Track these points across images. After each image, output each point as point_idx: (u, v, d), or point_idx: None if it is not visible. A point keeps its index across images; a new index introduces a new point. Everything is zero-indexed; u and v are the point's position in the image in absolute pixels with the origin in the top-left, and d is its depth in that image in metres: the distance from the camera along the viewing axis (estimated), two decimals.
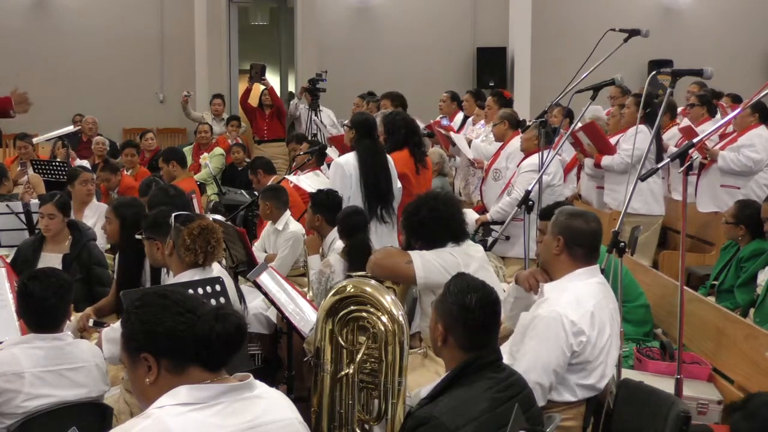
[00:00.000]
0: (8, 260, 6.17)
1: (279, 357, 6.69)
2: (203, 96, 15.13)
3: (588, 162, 9.06)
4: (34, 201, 7.57)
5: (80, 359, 4.04)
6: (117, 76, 15.59)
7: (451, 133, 9.68)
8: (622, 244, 4.31)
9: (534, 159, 7.37)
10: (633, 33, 6.12)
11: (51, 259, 6.24)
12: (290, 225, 7.33)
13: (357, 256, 5.43)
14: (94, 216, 7.72)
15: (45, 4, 15.58)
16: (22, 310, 4.05)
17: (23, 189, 9.09)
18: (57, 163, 10.62)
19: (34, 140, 11.53)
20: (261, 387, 2.61)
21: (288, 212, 7.42)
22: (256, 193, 8.88)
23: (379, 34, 16.22)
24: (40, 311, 3.98)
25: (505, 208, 7.81)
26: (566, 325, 3.87)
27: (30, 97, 9.73)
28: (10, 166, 10.49)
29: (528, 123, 8.48)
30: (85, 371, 4.05)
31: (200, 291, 4.24)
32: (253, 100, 13.58)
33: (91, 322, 5.20)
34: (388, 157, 6.99)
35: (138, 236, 5.07)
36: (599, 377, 3.97)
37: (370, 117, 7.39)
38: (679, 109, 10.50)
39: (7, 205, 7.14)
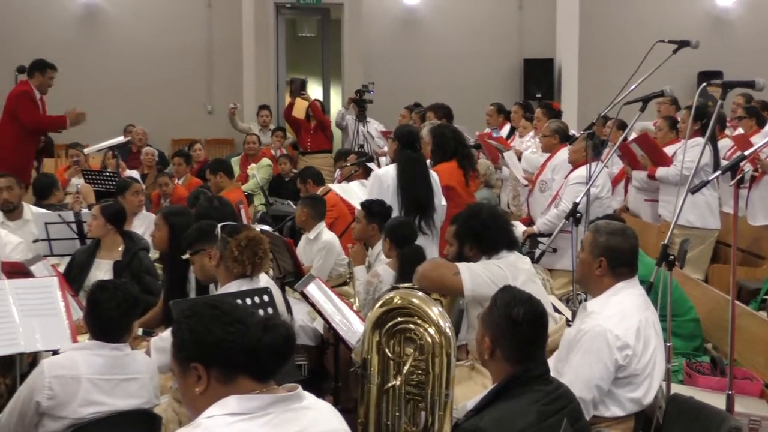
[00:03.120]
0: (61, 269, 6.27)
1: (325, 368, 6.69)
2: (250, 107, 15.24)
3: (637, 174, 8.99)
4: (85, 210, 7.67)
5: (136, 371, 4.08)
6: (166, 87, 15.74)
7: (504, 153, 9.62)
8: (672, 257, 4.27)
9: (582, 171, 7.32)
10: (682, 44, 6.05)
11: (103, 266, 6.32)
12: (323, 234, 7.35)
13: (406, 265, 5.41)
14: (143, 225, 7.79)
15: (96, 17, 15.79)
16: (87, 316, 4.11)
17: (72, 197, 9.19)
18: (107, 174, 10.75)
19: (86, 150, 11.69)
20: (309, 398, 2.62)
21: (322, 223, 7.43)
22: None
23: (425, 45, 16.23)
24: (102, 320, 4.02)
25: (553, 220, 7.77)
26: (610, 340, 3.85)
27: (80, 109, 9.91)
28: (62, 175, 10.62)
29: (575, 135, 8.44)
30: (140, 383, 4.08)
31: (248, 301, 4.26)
32: (300, 113, 13.64)
33: (139, 331, 5.24)
34: (432, 171, 6.97)
35: (185, 256, 5.10)
36: (646, 390, 3.94)
37: (413, 128, 7.39)
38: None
39: (59, 215, 7.22)
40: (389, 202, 6.66)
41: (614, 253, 4.08)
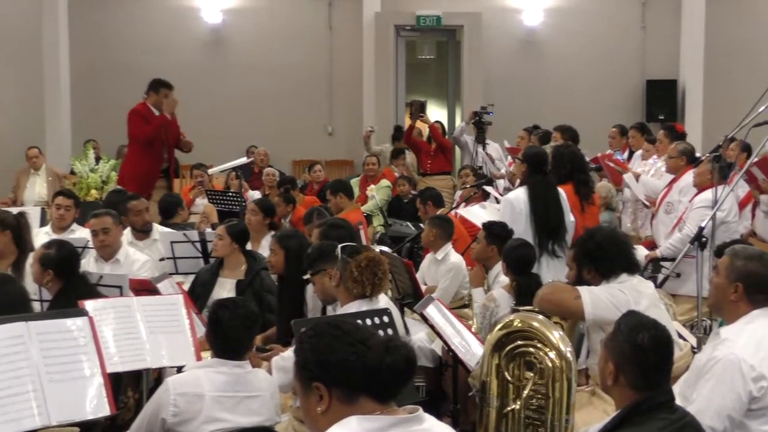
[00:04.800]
0: (185, 287, 6.43)
1: (443, 390, 6.68)
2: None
3: (764, 198, 8.73)
4: (209, 230, 7.84)
5: (258, 388, 4.14)
6: (287, 109, 15.99)
7: (624, 175, 9.47)
8: None
9: (707, 194, 7.14)
10: None
11: (226, 284, 6.46)
12: (451, 256, 7.34)
13: (526, 290, 5.37)
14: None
15: (221, 41, 16.17)
16: (209, 334, 4.21)
17: (199, 218, 9.42)
18: (231, 194, 10.98)
19: (209, 171, 11.98)
20: (430, 420, 2.62)
21: (449, 244, 7.43)
22: (422, 225, 8.94)
23: (545, 66, 16.12)
24: (223, 337, 4.11)
25: (677, 245, 7.59)
26: (744, 370, 3.72)
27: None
28: (186, 195, 10.90)
29: (700, 158, 8.25)
30: (261, 401, 4.14)
31: (368, 322, 4.29)
32: (422, 135, 13.74)
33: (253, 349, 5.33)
34: (560, 189, 6.91)
35: (306, 276, 5.17)
36: None
37: (542, 150, 7.33)
38: None
39: (185, 234, 7.40)
40: (522, 226, 6.63)
41: (751, 278, 3.96)
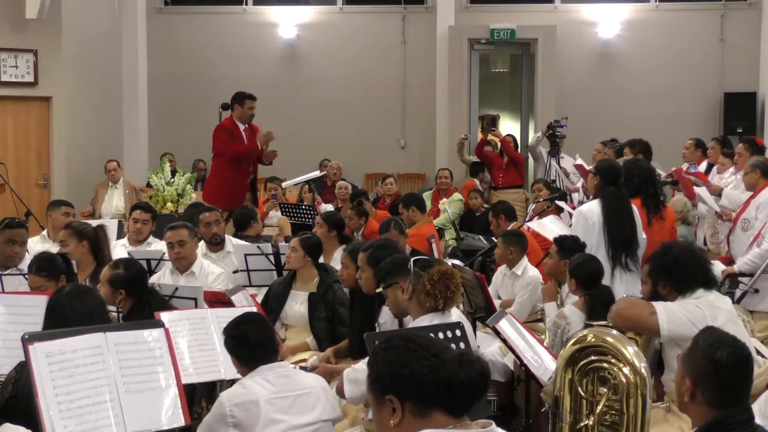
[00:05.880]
0: (258, 299, 6.49)
1: (515, 404, 6.64)
2: (443, 143, 15.45)
3: None
4: (282, 243, 7.90)
5: (306, 385, 4.27)
6: (361, 122, 16.09)
7: (695, 187, 9.33)
8: None
9: None
10: None
11: (299, 297, 6.50)
12: (529, 270, 7.30)
13: (598, 305, 5.32)
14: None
15: (296, 56, 16.32)
16: (240, 354, 4.33)
17: (276, 231, 9.48)
18: (304, 207, 11.06)
19: (283, 184, 12.09)
20: None
21: (525, 258, 7.39)
22: (494, 238, 8.90)
23: (620, 79, 15.96)
24: (256, 348, 4.24)
25: (755, 260, 7.46)
26: None
27: (279, 143, 10.26)
28: (260, 208, 11.01)
29: None
30: (313, 396, 4.24)
31: (441, 335, 4.29)
32: (495, 148, 13.72)
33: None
34: (633, 204, 6.84)
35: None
36: None
37: (615, 164, 7.27)
38: None
39: (258, 247, 7.47)
40: (595, 239, 6.58)
41: None
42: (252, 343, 4.21)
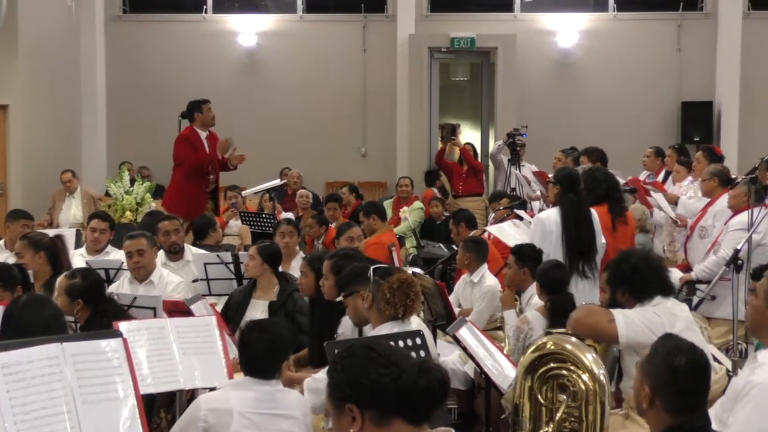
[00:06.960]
0: (218, 308, 6.45)
1: (475, 412, 6.64)
2: (403, 151, 15.50)
3: None
4: (242, 252, 7.86)
5: (288, 407, 4.19)
6: (321, 131, 16.08)
7: (653, 194, 9.42)
8: None
9: (743, 217, 7.09)
10: None
11: (259, 306, 6.47)
12: (486, 278, 7.31)
13: (559, 312, 5.34)
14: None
15: (255, 65, 16.28)
16: (239, 355, 4.28)
17: (239, 241, 9.44)
18: (264, 216, 11.02)
19: (243, 193, 12.04)
20: None
21: (485, 265, 7.40)
22: (454, 246, 8.92)
23: (580, 87, 16.09)
24: (252, 360, 4.18)
25: (712, 267, 7.52)
26: None
27: (239, 151, 10.22)
28: (220, 216, 10.95)
29: (737, 179, 8.18)
30: (292, 421, 4.18)
31: (401, 344, 4.28)
32: (454, 157, 13.76)
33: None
34: (593, 211, 6.88)
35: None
36: None
37: (574, 171, 7.31)
38: None
39: (218, 255, 7.43)
40: (553, 246, 6.60)
41: None
42: (252, 354, 4.19)
